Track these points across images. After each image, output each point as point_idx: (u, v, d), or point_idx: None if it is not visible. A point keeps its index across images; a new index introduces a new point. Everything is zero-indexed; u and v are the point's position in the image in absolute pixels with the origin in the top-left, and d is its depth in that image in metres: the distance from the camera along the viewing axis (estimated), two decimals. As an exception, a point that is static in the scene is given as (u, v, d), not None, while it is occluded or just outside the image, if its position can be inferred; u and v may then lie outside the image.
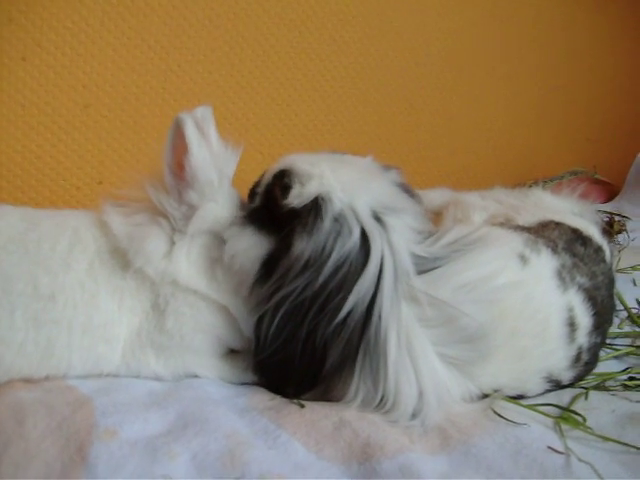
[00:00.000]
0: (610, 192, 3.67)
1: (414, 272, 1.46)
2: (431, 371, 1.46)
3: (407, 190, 1.60)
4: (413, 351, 1.44)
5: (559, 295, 1.67)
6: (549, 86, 3.82)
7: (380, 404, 1.45)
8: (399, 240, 1.45)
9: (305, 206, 1.45)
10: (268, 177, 1.58)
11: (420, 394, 1.44)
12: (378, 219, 1.45)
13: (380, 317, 1.41)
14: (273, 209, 1.51)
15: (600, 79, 4.07)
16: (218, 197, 1.60)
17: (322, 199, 1.44)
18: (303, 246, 1.42)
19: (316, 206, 1.44)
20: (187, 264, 1.58)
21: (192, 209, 1.58)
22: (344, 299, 1.39)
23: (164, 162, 1.55)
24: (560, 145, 3.95)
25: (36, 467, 1.20)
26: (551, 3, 3.74)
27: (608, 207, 3.29)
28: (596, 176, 3.72)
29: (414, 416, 1.43)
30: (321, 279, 1.39)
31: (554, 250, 1.77)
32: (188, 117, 1.53)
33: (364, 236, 1.42)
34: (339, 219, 1.43)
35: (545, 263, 1.71)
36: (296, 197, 1.46)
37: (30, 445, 1.24)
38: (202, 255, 1.60)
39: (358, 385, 1.45)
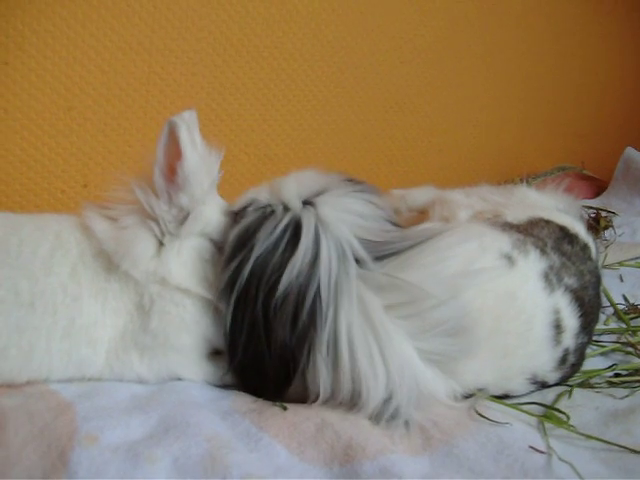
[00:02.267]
0: (598, 188, 3.65)
1: (370, 257, 1.50)
2: (401, 358, 1.45)
3: (356, 182, 1.67)
4: (379, 338, 1.45)
5: (545, 298, 1.66)
6: (537, 82, 3.81)
7: (351, 400, 1.46)
8: (333, 216, 1.52)
9: (240, 208, 1.61)
10: None
11: (389, 388, 1.44)
12: (309, 203, 1.55)
13: (319, 293, 1.45)
14: None
15: (589, 74, 4.06)
16: (207, 200, 1.62)
17: (252, 199, 1.60)
18: (232, 233, 1.56)
19: (246, 205, 1.59)
20: (178, 264, 1.59)
21: (182, 212, 1.59)
22: (280, 276, 1.46)
23: (155, 165, 1.55)
24: (548, 141, 3.93)
25: (17, 474, 1.20)
26: (538, -2, 3.74)
27: (595, 203, 3.28)
28: (584, 172, 3.71)
29: (386, 411, 1.44)
30: (253, 256, 1.48)
31: (543, 250, 1.75)
32: (182, 121, 1.53)
33: (295, 219, 1.51)
34: (264, 207, 1.56)
35: (532, 266, 1.69)
36: (237, 204, 1.63)
37: (11, 452, 1.24)
38: (193, 256, 1.61)
39: (320, 371, 1.46)
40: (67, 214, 1.69)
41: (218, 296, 1.56)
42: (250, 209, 1.57)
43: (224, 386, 1.62)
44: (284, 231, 1.50)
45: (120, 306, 1.57)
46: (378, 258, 1.50)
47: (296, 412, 1.46)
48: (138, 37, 2.38)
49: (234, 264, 1.51)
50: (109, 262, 1.57)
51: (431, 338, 1.48)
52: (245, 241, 1.52)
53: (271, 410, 1.47)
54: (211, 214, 1.63)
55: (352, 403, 1.46)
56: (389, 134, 3.22)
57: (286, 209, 1.54)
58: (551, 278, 1.69)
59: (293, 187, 1.57)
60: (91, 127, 2.37)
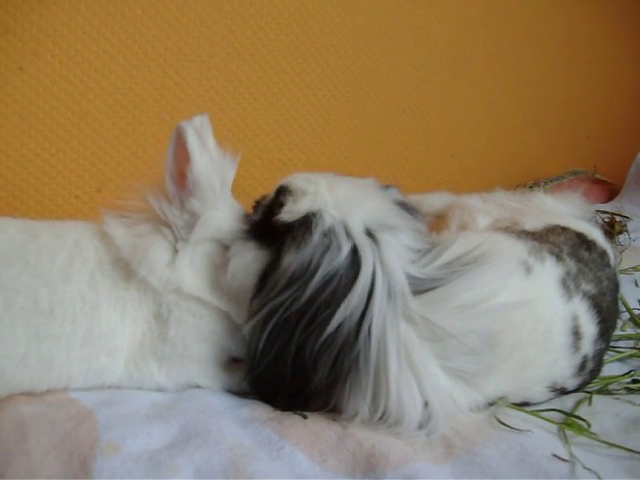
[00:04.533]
0: (611, 192, 3.65)
1: (410, 293, 1.44)
2: (435, 385, 1.44)
3: (407, 208, 1.59)
4: (415, 368, 1.42)
5: (562, 304, 1.65)
6: (548, 86, 3.80)
7: (382, 419, 1.43)
8: (393, 257, 1.44)
9: (296, 221, 1.46)
10: (271, 193, 1.59)
11: (425, 407, 1.42)
12: (371, 236, 1.45)
13: (370, 334, 1.39)
14: (270, 224, 1.52)
15: (600, 77, 4.05)
16: (219, 204, 1.61)
17: (313, 215, 1.45)
18: (290, 259, 1.42)
19: (306, 221, 1.45)
20: (190, 272, 1.58)
21: (194, 217, 1.58)
22: (332, 314, 1.38)
23: (166, 171, 1.55)
24: (560, 145, 3.93)
25: (40, 483, 1.20)
26: (548, 0, 3.73)
27: (609, 207, 3.28)
28: (596, 176, 3.70)
29: (420, 429, 1.42)
30: (308, 293, 1.39)
31: (559, 257, 1.74)
32: (189, 126, 1.52)
33: (355, 252, 1.42)
34: (329, 234, 1.43)
35: (549, 272, 1.69)
36: (288, 212, 1.48)
37: (33, 461, 1.24)
38: (205, 262, 1.60)
39: (357, 401, 1.43)
40: (85, 221, 1.68)
41: (256, 318, 1.47)
42: (316, 234, 1.42)
43: (242, 394, 1.61)
44: (344, 264, 1.40)
45: (139, 315, 1.57)
46: (417, 292, 1.45)
47: (317, 420, 1.46)
48: (153, 43, 2.39)
49: (284, 296, 1.41)
50: (128, 270, 1.56)
51: (455, 357, 1.47)
52: (303, 274, 1.40)
53: (291, 418, 1.46)
54: (223, 219, 1.61)
55: (390, 425, 1.43)
56: (401, 138, 3.22)
57: (348, 235, 1.43)
58: (569, 284, 1.68)
59: (360, 216, 1.46)
60: (105, 133, 2.38)
